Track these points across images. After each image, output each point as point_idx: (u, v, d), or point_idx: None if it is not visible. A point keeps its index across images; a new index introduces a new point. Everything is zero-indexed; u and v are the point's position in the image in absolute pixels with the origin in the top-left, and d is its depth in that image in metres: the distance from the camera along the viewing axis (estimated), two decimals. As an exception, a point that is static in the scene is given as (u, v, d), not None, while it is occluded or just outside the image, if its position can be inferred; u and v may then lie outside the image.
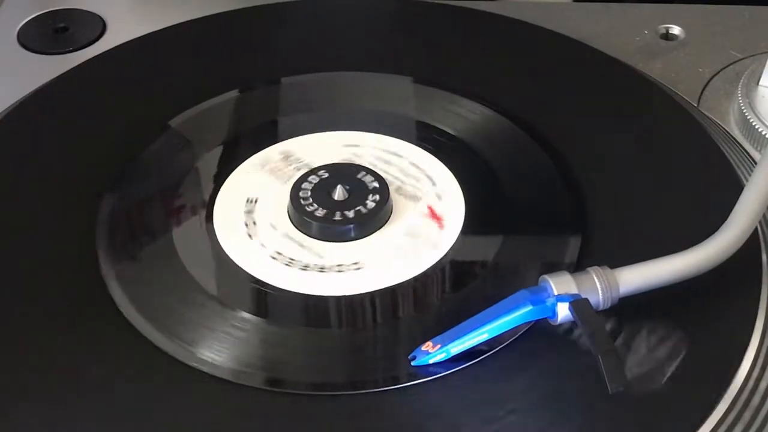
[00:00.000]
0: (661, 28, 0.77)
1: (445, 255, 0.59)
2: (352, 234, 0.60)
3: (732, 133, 0.68)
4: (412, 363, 0.52)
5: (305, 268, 0.58)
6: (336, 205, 0.60)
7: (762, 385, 0.53)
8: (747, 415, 0.52)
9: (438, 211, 0.61)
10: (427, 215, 0.60)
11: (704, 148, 0.64)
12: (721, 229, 0.54)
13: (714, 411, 0.51)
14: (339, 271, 0.58)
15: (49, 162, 0.65)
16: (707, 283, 0.54)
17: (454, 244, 0.59)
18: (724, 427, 0.51)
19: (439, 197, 0.62)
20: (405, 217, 0.61)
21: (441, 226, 0.60)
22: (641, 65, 0.73)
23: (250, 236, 0.60)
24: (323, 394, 0.52)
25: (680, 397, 0.51)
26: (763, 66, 0.68)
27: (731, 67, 0.73)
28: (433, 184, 0.63)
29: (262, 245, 0.59)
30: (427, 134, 0.66)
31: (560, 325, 0.52)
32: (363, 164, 0.63)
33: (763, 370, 0.53)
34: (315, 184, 0.61)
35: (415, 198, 0.62)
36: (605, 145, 0.65)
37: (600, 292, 0.52)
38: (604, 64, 0.71)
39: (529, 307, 0.51)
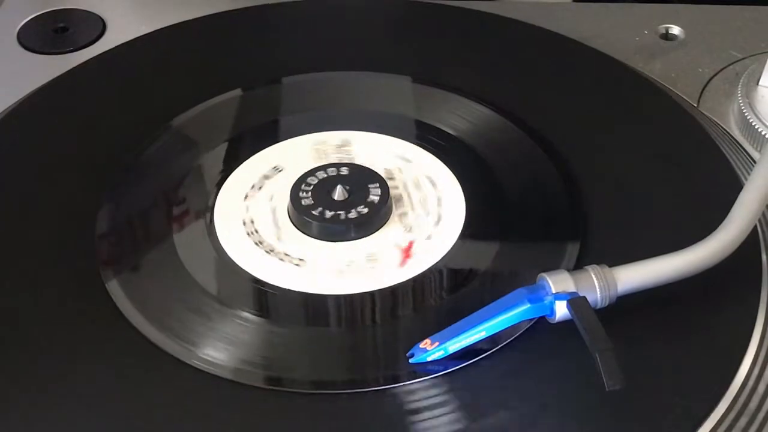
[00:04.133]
0: (661, 28, 0.76)
1: (446, 255, 0.59)
2: (352, 234, 0.60)
3: (732, 133, 0.68)
4: (410, 360, 0.52)
5: (305, 267, 0.58)
6: (336, 205, 0.60)
7: (762, 385, 0.53)
8: (747, 415, 0.51)
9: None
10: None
11: (704, 148, 0.64)
12: (719, 227, 0.54)
13: (714, 411, 0.51)
14: (339, 271, 0.58)
15: (49, 162, 0.65)
16: (707, 282, 0.54)
17: (454, 245, 0.59)
18: (723, 427, 0.51)
19: (438, 200, 0.62)
20: (405, 217, 0.61)
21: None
22: (641, 65, 0.73)
23: (250, 235, 0.60)
24: (323, 392, 0.52)
25: (680, 396, 0.51)
26: (763, 66, 0.68)
27: (731, 67, 0.73)
28: (433, 185, 0.63)
29: (263, 245, 0.59)
30: (427, 134, 0.66)
31: (558, 323, 0.52)
32: (363, 164, 0.63)
33: (763, 370, 0.53)
34: (315, 184, 0.61)
35: (413, 196, 0.62)
36: (605, 145, 0.65)
37: (598, 290, 0.52)
38: (604, 64, 0.71)
39: (527, 305, 0.51)
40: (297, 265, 0.58)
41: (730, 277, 0.55)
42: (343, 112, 0.68)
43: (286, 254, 0.59)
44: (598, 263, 0.53)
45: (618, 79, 0.70)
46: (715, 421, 0.51)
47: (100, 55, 0.73)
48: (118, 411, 0.51)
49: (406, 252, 0.59)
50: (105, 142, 0.65)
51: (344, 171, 0.62)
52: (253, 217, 0.61)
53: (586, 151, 0.64)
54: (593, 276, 0.52)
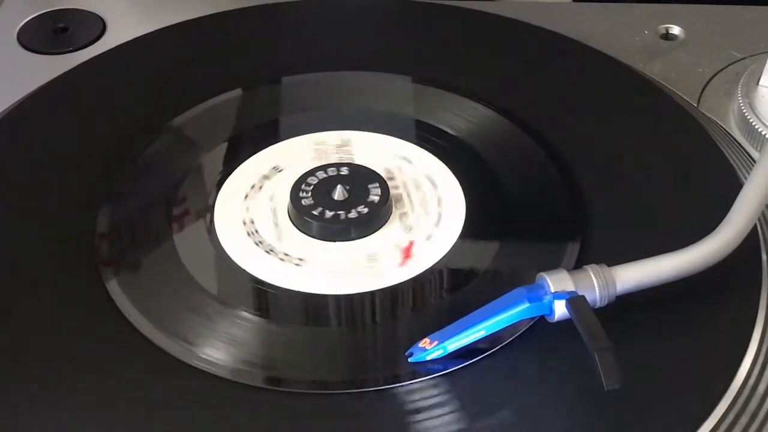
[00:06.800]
0: (661, 28, 0.77)
1: (446, 255, 0.59)
2: (353, 234, 0.60)
3: (732, 133, 0.68)
4: (409, 359, 0.52)
5: (305, 267, 0.58)
6: (336, 205, 0.60)
7: (762, 385, 0.53)
8: (747, 415, 0.51)
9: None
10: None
11: (704, 148, 0.64)
12: (719, 227, 0.54)
13: (714, 411, 0.51)
14: (339, 271, 0.58)
15: (49, 162, 0.65)
16: (707, 282, 0.54)
17: (454, 245, 0.59)
18: (723, 427, 0.51)
19: (439, 201, 0.62)
20: (405, 217, 0.61)
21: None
22: (641, 65, 0.73)
23: (250, 235, 0.60)
24: (323, 392, 0.52)
25: (680, 397, 0.51)
26: (763, 66, 0.68)
27: (731, 67, 0.73)
28: (433, 184, 0.63)
29: (263, 244, 0.59)
30: (427, 134, 0.66)
31: (557, 322, 0.52)
32: (363, 164, 0.63)
33: (763, 370, 0.53)
34: (315, 183, 0.61)
35: (413, 197, 0.62)
36: (605, 145, 0.65)
37: (597, 289, 0.52)
38: (604, 64, 0.71)
39: (526, 305, 0.51)
40: (297, 264, 0.58)
41: (730, 277, 0.55)
42: (343, 112, 0.68)
43: (286, 254, 0.59)
44: (597, 263, 0.53)
45: (618, 79, 0.70)
46: (715, 421, 0.50)
47: (100, 55, 0.73)
48: (118, 410, 0.51)
49: (407, 252, 0.59)
50: (105, 142, 0.65)
51: (344, 171, 0.62)
52: (253, 217, 0.61)
53: (586, 151, 0.64)
54: (592, 275, 0.52)
